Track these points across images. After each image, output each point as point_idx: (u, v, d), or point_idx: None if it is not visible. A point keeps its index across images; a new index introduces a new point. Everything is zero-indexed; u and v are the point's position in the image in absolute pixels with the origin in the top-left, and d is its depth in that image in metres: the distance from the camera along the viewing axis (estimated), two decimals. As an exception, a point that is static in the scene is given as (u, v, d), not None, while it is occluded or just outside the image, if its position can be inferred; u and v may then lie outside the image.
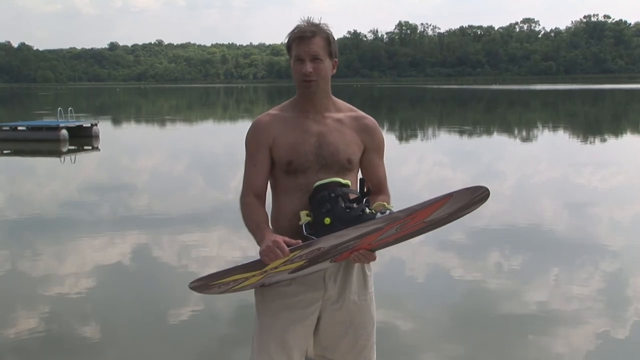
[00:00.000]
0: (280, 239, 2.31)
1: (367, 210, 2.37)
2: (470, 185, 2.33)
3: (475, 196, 2.37)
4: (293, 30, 2.52)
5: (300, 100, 2.60)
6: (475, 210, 2.49)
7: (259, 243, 2.38)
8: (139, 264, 7.40)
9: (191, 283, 2.46)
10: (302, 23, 2.52)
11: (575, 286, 6.32)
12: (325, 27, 2.54)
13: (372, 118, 2.68)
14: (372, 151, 2.65)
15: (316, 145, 2.53)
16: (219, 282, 2.46)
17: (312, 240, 2.32)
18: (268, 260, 2.30)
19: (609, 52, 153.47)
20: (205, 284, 2.47)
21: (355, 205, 2.39)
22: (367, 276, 2.66)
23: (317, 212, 2.40)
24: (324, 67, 2.52)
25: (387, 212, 2.38)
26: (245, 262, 2.40)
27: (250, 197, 2.55)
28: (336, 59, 2.60)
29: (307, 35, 2.49)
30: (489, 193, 2.37)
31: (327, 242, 2.31)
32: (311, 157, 2.52)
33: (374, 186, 2.58)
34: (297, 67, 2.52)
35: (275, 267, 2.37)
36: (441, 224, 2.49)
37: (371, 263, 2.58)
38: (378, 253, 2.50)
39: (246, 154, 2.61)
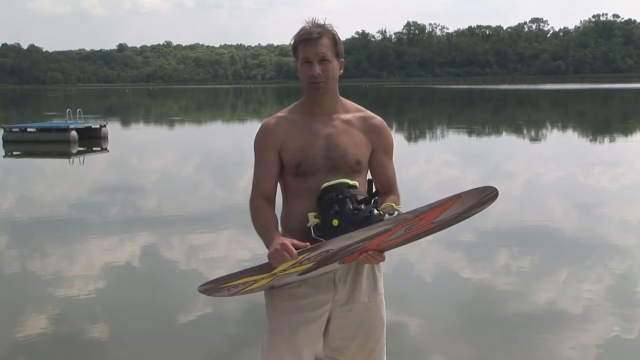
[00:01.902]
0: (288, 241, 2.29)
1: (375, 212, 2.35)
2: (479, 186, 2.31)
3: (484, 196, 2.35)
4: (299, 32, 2.51)
5: (309, 101, 2.59)
6: (484, 210, 2.47)
7: (267, 246, 2.37)
8: (148, 265, 7.40)
9: (200, 286, 2.44)
10: (307, 24, 2.51)
11: (584, 286, 6.29)
12: (331, 28, 2.52)
13: (380, 118, 2.66)
14: (380, 152, 2.63)
15: (325, 147, 2.52)
16: (228, 285, 2.45)
17: (321, 243, 2.30)
18: (276, 263, 2.29)
19: (618, 51, 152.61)
20: (214, 287, 2.46)
21: (363, 206, 2.37)
22: (377, 277, 2.64)
23: (325, 213, 2.38)
24: (332, 67, 2.51)
25: (396, 213, 2.35)
26: (254, 265, 2.39)
27: (260, 200, 2.54)
28: (342, 59, 2.58)
29: (314, 37, 2.47)
30: (497, 193, 2.35)
31: (335, 244, 2.29)
32: (320, 159, 2.51)
33: (384, 187, 2.56)
34: (306, 69, 2.50)
35: (284, 270, 2.36)
36: (450, 224, 2.47)
37: (380, 264, 2.57)
38: (387, 253, 2.49)
39: (255, 157, 2.60)
